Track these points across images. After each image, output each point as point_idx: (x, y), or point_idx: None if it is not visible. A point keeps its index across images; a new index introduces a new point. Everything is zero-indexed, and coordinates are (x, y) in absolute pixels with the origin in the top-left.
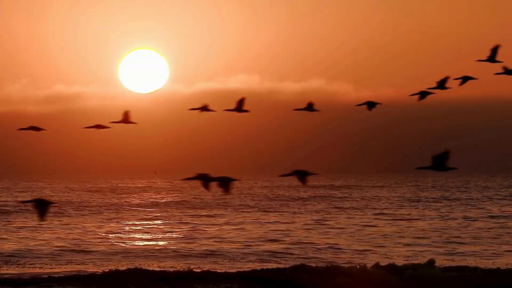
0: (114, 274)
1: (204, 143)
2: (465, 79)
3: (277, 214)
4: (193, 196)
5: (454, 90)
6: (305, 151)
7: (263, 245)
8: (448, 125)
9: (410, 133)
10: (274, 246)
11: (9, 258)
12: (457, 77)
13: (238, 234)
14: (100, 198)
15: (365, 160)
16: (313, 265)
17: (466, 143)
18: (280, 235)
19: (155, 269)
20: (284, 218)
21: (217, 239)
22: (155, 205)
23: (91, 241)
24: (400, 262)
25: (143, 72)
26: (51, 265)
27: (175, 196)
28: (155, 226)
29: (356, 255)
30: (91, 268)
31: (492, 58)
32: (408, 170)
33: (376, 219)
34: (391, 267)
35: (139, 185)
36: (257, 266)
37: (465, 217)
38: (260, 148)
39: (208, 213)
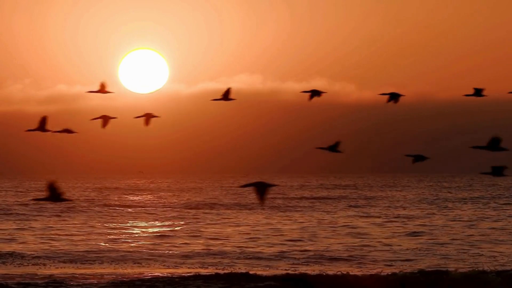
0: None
1: (205, 143)
2: (313, 93)
3: (298, 214)
4: (205, 197)
5: (454, 90)
6: (308, 149)
7: (292, 246)
8: (448, 125)
9: (411, 133)
10: (296, 247)
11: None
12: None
13: (252, 235)
14: (129, 200)
15: (366, 160)
16: (342, 269)
17: (466, 143)
18: (307, 236)
19: (188, 272)
20: (312, 218)
21: (233, 240)
22: (170, 205)
23: (122, 240)
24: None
25: (143, 72)
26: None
27: (186, 196)
28: (178, 227)
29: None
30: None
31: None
32: (408, 170)
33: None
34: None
35: (151, 185)
36: (292, 269)
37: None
38: (262, 148)
39: (226, 213)
